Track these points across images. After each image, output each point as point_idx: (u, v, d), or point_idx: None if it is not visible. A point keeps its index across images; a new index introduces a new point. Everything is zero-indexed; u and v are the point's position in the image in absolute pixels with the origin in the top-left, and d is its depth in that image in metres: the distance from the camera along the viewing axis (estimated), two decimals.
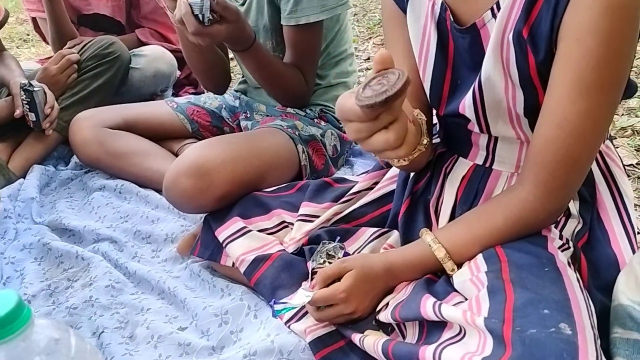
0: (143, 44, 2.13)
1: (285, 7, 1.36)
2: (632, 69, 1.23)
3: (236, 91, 1.71)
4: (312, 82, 1.49)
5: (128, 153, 1.57)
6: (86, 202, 1.54)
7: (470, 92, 0.84)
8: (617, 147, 1.42)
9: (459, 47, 0.85)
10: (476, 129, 0.89)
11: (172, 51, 2.09)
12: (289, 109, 1.52)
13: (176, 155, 1.63)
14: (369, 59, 2.50)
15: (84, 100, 1.78)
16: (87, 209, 1.51)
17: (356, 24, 2.63)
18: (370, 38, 2.79)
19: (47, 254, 1.32)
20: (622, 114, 1.57)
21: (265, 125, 1.45)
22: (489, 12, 0.79)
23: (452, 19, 0.84)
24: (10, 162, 1.69)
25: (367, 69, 2.36)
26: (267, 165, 1.29)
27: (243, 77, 1.67)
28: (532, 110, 0.80)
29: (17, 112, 1.64)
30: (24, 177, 1.66)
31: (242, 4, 1.47)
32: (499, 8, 0.78)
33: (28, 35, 3.34)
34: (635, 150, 1.40)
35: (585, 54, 0.70)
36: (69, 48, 1.91)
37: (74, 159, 1.77)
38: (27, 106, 1.64)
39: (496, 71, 0.80)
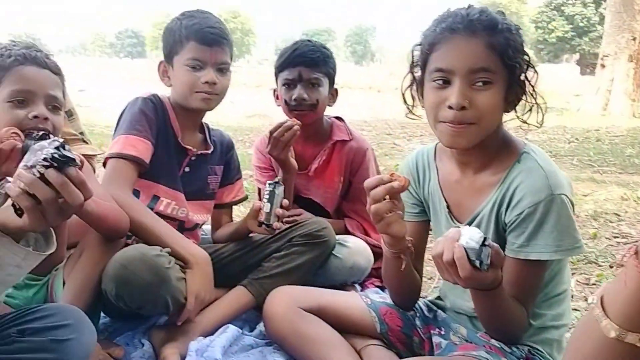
0: (347, 232, 2.20)
1: (515, 240, 1.29)
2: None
3: (431, 302, 1.63)
4: (529, 318, 1.34)
5: (314, 340, 1.54)
6: None
7: None
8: None
9: None
10: None
11: (371, 246, 2.13)
12: (492, 341, 1.37)
13: (358, 353, 1.55)
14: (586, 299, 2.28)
15: (287, 273, 1.84)
16: None
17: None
18: (580, 274, 2.55)
19: None
20: None
21: (468, 354, 1.31)
22: None
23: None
24: (200, 314, 1.72)
25: (586, 309, 2.13)
26: None
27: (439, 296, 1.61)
28: None
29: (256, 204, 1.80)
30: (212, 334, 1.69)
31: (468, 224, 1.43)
32: None
33: None
34: None
35: None
36: None
37: (260, 327, 1.78)
38: (267, 196, 1.76)
39: None
